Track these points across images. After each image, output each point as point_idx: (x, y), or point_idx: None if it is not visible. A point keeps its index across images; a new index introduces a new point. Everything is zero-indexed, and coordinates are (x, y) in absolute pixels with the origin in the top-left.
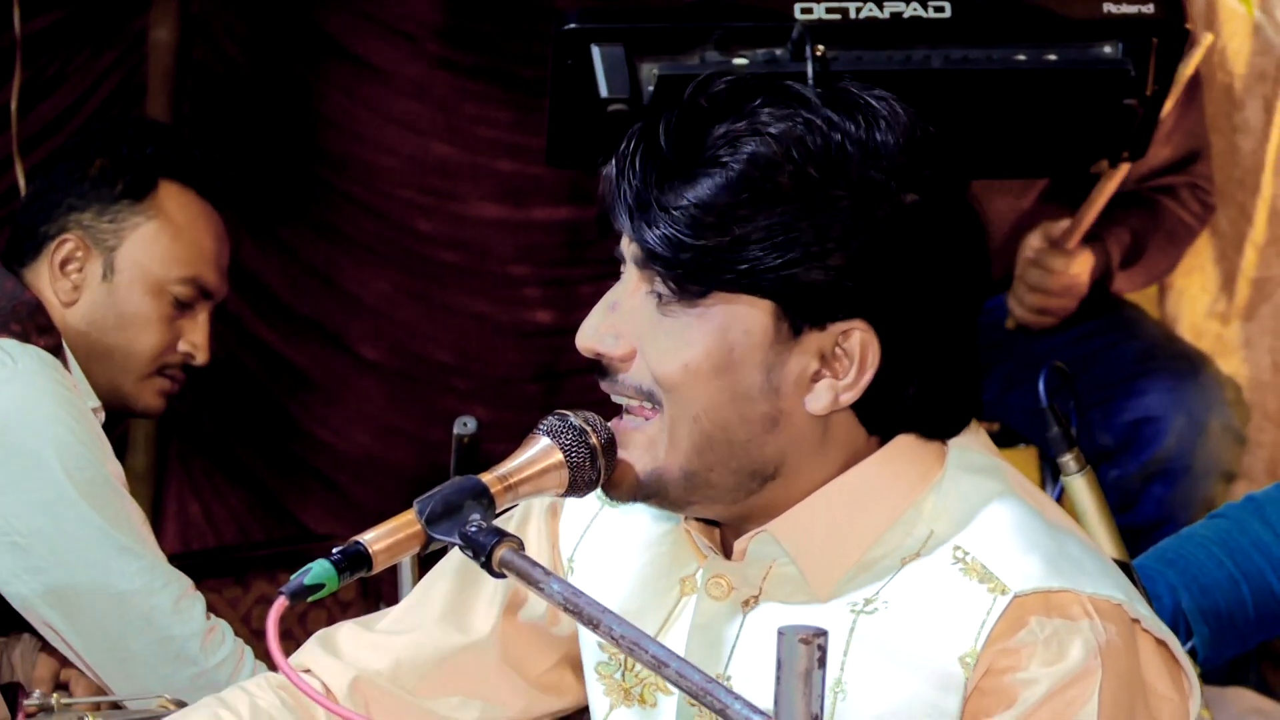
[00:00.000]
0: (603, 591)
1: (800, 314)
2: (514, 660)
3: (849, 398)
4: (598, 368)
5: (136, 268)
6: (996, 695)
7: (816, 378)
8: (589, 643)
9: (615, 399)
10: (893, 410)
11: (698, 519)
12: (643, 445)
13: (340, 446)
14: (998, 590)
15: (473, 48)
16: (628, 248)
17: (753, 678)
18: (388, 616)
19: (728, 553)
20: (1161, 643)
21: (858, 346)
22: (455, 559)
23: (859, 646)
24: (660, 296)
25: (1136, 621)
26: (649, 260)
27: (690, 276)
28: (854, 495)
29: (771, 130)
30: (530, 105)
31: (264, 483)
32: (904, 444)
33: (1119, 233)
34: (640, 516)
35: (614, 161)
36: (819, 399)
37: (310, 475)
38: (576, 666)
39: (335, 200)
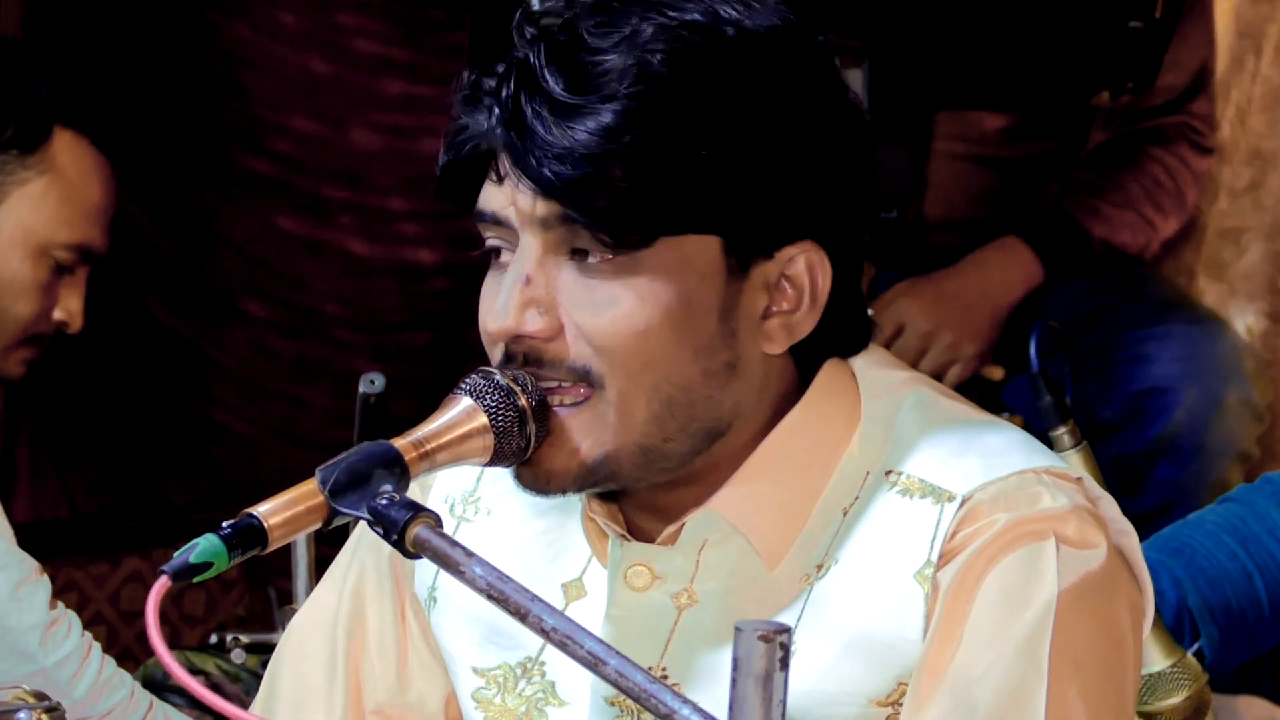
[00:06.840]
0: (471, 615)
1: (749, 245)
2: None
3: (803, 331)
4: (511, 356)
5: (20, 229)
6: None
7: (766, 315)
8: (463, 671)
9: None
10: (823, 335)
11: (599, 499)
12: (584, 429)
13: (210, 410)
14: (944, 499)
15: None
16: (520, 209)
17: (699, 674)
18: None
19: (639, 535)
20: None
21: (805, 272)
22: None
23: (813, 610)
24: (585, 255)
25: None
26: (570, 217)
27: (633, 224)
28: (789, 453)
29: (663, 41)
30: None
31: (123, 448)
32: (820, 384)
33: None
34: (508, 519)
35: (488, 115)
36: (774, 338)
37: (175, 440)
38: None
39: (206, 127)
